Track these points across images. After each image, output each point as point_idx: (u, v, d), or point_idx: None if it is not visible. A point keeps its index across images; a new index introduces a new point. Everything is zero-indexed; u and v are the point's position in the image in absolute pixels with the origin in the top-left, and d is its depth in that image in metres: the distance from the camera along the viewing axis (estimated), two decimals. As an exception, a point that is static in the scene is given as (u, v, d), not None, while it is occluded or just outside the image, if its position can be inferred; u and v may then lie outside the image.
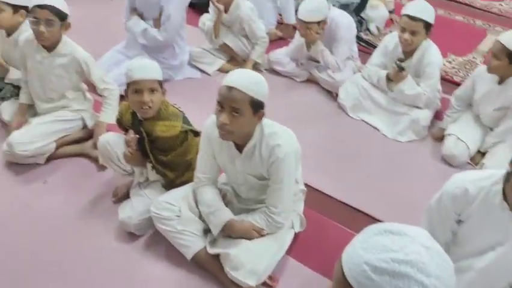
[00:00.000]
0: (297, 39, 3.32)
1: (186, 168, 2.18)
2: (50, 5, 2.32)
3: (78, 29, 2.68)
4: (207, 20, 3.39)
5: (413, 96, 2.89)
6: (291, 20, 3.82)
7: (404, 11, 2.81)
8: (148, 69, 2.01)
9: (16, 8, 2.63)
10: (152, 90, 2.00)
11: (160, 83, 2.05)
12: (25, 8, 2.62)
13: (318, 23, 3.07)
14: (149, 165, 2.18)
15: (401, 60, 2.89)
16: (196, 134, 2.16)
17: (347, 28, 3.20)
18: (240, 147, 1.87)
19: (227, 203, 2.06)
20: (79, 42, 2.61)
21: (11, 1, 2.60)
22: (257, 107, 1.73)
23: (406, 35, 2.78)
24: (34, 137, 2.49)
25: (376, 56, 3.07)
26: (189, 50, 3.45)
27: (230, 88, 1.70)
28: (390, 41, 3.00)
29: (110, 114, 2.55)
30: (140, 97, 1.99)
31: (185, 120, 2.14)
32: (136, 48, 3.26)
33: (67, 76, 2.56)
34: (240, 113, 1.70)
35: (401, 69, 2.85)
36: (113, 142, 2.21)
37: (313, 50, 3.22)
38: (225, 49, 3.44)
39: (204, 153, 1.99)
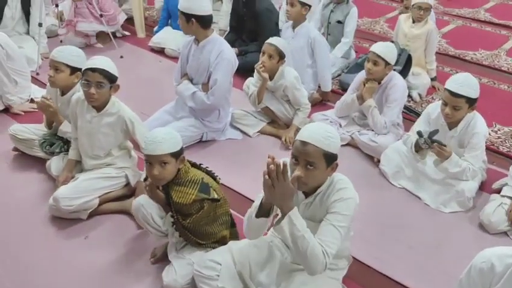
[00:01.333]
0: (348, 95, 3.40)
1: (212, 239, 2.20)
2: (101, 68, 2.47)
3: (129, 89, 2.82)
4: (251, 84, 3.48)
5: (457, 173, 2.82)
6: (328, 87, 3.89)
7: (447, 85, 2.75)
8: (159, 144, 2.01)
9: (74, 70, 2.80)
10: (163, 163, 2.03)
11: (178, 152, 2.06)
12: (81, 70, 2.76)
13: (386, 64, 3.16)
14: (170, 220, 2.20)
15: (421, 135, 2.81)
16: (215, 200, 2.14)
17: (403, 91, 3.25)
18: (306, 193, 1.94)
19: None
20: (129, 102, 2.74)
21: (70, 63, 2.78)
22: (331, 159, 1.81)
23: (448, 109, 2.74)
24: (79, 192, 2.56)
25: (418, 124, 3.04)
26: (231, 111, 3.54)
27: (304, 143, 1.78)
28: (434, 110, 2.98)
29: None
30: (151, 170, 2.04)
31: (203, 188, 2.11)
32: (184, 110, 3.36)
33: (113, 134, 2.66)
34: (315, 166, 1.79)
35: (428, 144, 2.79)
36: (147, 204, 2.24)
37: (365, 106, 3.25)
38: (266, 112, 3.51)
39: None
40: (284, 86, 3.36)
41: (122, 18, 4.97)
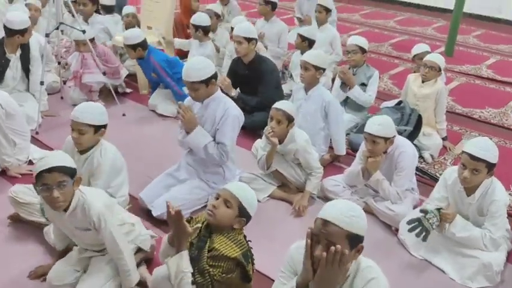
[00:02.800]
0: (355, 165, 3.24)
1: None
2: (58, 166, 2.08)
3: (131, 149, 2.64)
4: (260, 147, 3.36)
5: (467, 239, 2.67)
6: (342, 151, 3.78)
7: (466, 148, 2.63)
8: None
9: (98, 128, 2.68)
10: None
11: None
12: (105, 126, 2.72)
13: (386, 140, 2.99)
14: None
15: (425, 212, 2.69)
16: (246, 277, 2.07)
17: (412, 158, 3.10)
18: None
19: None
20: (133, 162, 2.60)
21: (94, 122, 2.65)
22: (355, 241, 1.66)
23: (466, 173, 2.61)
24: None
25: (437, 190, 2.90)
26: (239, 173, 3.39)
27: (326, 222, 1.65)
28: (450, 175, 2.84)
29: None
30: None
31: (246, 256, 2.08)
32: (188, 172, 3.23)
33: (92, 231, 2.29)
34: None
35: (436, 216, 2.66)
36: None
37: (372, 180, 3.09)
38: (276, 175, 3.36)
39: (284, 270, 1.89)
40: (295, 150, 3.23)
41: (124, 73, 4.91)
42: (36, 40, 4.54)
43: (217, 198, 2.14)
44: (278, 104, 3.19)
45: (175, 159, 3.40)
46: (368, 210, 3.20)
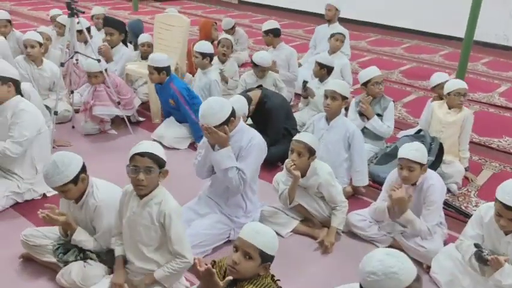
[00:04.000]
0: (381, 198, 3.13)
1: None
2: (149, 153, 2.33)
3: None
4: (281, 181, 3.25)
5: None
6: (365, 181, 3.68)
7: (499, 196, 2.47)
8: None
9: (76, 179, 2.52)
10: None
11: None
12: (84, 173, 2.58)
13: (421, 166, 2.90)
14: None
15: (481, 251, 2.57)
16: None
17: (441, 190, 2.99)
18: None
19: None
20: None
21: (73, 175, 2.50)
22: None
23: (503, 221, 2.48)
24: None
25: (472, 227, 2.76)
26: (260, 206, 3.28)
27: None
28: (486, 213, 2.69)
29: (167, 276, 2.42)
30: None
31: None
32: (209, 206, 3.13)
33: (153, 228, 2.42)
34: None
35: (484, 260, 2.54)
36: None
37: (401, 220, 2.98)
38: (299, 209, 3.25)
39: None
40: (318, 183, 3.13)
41: (137, 103, 4.84)
42: (48, 68, 4.50)
43: (236, 250, 2.01)
44: (299, 136, 3.11)
45: (193, 192, 3.31)
46: (396, 246, 3.08)
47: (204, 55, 4.73)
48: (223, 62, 5.31)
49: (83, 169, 2.56)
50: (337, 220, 3.14)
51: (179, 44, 5.26)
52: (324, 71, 4.66)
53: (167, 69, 4.32)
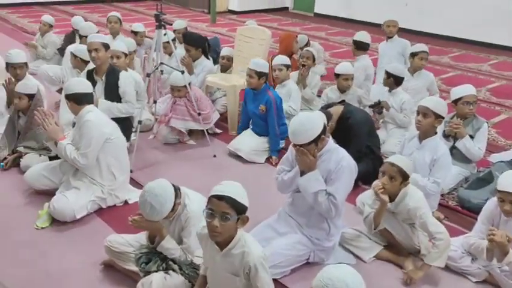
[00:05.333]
0: (477, 230, 2.88)
1: None
2: (228, 196, 2.11)
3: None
4: (366, 204, 3.09)
5: None
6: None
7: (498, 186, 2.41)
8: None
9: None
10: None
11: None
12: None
13: None
14: None
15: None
16: None
17: None
18: None
19: None
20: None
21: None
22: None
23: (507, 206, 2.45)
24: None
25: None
26: (342, 227, 3.13)
27: None
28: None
29: None
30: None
31: None
32: (289, 224, 3.02)
33: (237, 279, 2.25)
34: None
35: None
36: None
37: (506, 261, 2.66)
38: (384, 234, 3.06)
39: None
40: (408, 209, 2.92)
41: (215, 117, 4.85)
42: (131, 77, 4.57)
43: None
44: (393, 159, 2.93)
45: (271, 208, 3.22)
46: (492, 282, 2.83)
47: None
48: (302, 75, 5.20)
49: (176, 197, 2.54)
50: (431, 257, 2.81)
51: (259, 57, 5.23)
52: (391, 80, 4.52)
53: (267, 75, 4.36)
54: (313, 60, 5.30)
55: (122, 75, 4.14)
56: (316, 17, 12.40)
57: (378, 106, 4.61)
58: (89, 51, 4.00)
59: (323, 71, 6.80)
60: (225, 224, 2.10)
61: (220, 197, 2.10)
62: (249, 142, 4.43)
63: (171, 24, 4.20)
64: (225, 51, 5.47)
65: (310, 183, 2.79)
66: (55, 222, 3.26)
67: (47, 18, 6.63)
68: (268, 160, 4.40)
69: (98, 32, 4.96)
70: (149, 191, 2.45)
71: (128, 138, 4.14)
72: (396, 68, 4.65)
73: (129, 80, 4.21)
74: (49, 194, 3.46)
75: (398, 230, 3.00)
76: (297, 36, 6.01)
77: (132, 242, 2.80)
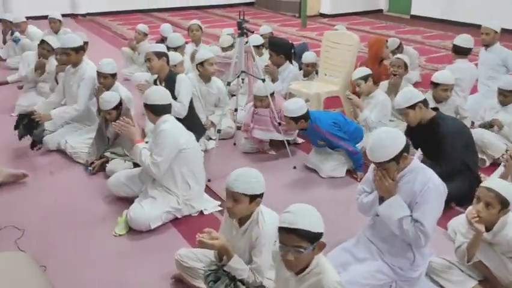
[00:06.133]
0: None
1: None
2: (299, 229, 1.93)
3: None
4: (459, 232, 2.73)
5: None
6: None
7: None
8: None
9: (253, 197, 2.42)
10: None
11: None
12: (261, 195, 2.46)
13: None
14: None
15: None
16: None
17: None
18: None
19: None
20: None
21: (249, 191, 2.40)
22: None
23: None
24: None
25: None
26: (429, 255, 2.80)
27: None
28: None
29: None
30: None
31: None
32: (369, 250, 2.76)
33: None
34: None
35: None
36: None
37: None
38: (479, 267, 2.69)
39: None
40: (508, 240, 2.54)
41: (299, 127, 4.67)
42: (187, 79, 4.45)
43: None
44: (490, 183, 2.56)
45: (351, 230, 3.00)
46: None
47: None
48: (393, 84, 4.85)
49: (262, 195, 2.44)
50: None
51: (346, 63, 5.00)
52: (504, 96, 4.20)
53: (304, 116, 3.95)
54: (406, 68, 4.92)
55: (179, 78, 4.25)
56: (413, 19, 11.73)
57: (490, 127, 4.24)
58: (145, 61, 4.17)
59: (416, 78, 6.35)
60: (299, 257, 1.96)
61: (287, 230, 1.93)
62: (325, 158, 4.19)
63: (253, 32, 4.11)
64: (309, 57, 5.29)
65: (391, 210, 2.53)
66: (131, 230, 3.30)
67: (141, 27, 6.89)
68: (350, 173, 4.15)
69: (186, 43, 5.04)
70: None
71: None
72: (509, 83, 4.24)
73: (184, 82, 4.27)
74: (130, 201, 3.52)
75: (495, 264, 2.62)
76: (387, 41, 5.66)
77: (202, 256, 2.73)
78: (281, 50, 5.11)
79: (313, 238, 1.94)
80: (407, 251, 2.66)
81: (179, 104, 4.15)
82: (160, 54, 4.18)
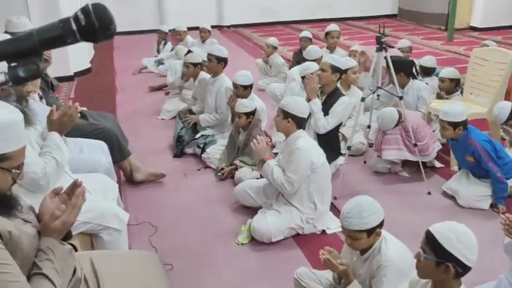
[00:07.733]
0: None
1: None
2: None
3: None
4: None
5: None
6: None
7: None
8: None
9: (370, 231, 2.28)
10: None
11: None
12: (381, 225, 2.30)
13: None
14: None
15: None
16: None
17: None
18: None
19: None
20: None
21: (363, 227, 2.26)
22: None
23: None
24: None
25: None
26: None
27: None
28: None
29: None
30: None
31: None
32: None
33: None
34: None
35: None
36: None
37: None
38: None
39: None
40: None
41: (436, 147, 4.30)
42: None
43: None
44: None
45: (493, 272, 2.66)
46: None
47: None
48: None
49: (382, 223, 2.32)
50: None
51: (496, 83, 4.53)
52: None
53: (464, 123, 3.64)
54: None
55: (342, 99, 4.17)
56: None
57: None
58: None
59: None
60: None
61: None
62: (467, 186, 3.79)
63: (392, 47, 3.90)
64: (446, 72, 4.91)
65: None
66: (254, 240, 3.34)
67: (271, 40, 6.99)
68: (492, 207, 3.71)
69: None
70: (364, 197, 2.37)
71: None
72: None
73: (345, 106, 4.18)
74: (255, 210, 3.58)
75: None
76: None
77: (322, 278, 2.65)
78: (399, 68, 4.81)
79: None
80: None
81: (323, 120, 4.08)
82: (336, 70, 4.15)
